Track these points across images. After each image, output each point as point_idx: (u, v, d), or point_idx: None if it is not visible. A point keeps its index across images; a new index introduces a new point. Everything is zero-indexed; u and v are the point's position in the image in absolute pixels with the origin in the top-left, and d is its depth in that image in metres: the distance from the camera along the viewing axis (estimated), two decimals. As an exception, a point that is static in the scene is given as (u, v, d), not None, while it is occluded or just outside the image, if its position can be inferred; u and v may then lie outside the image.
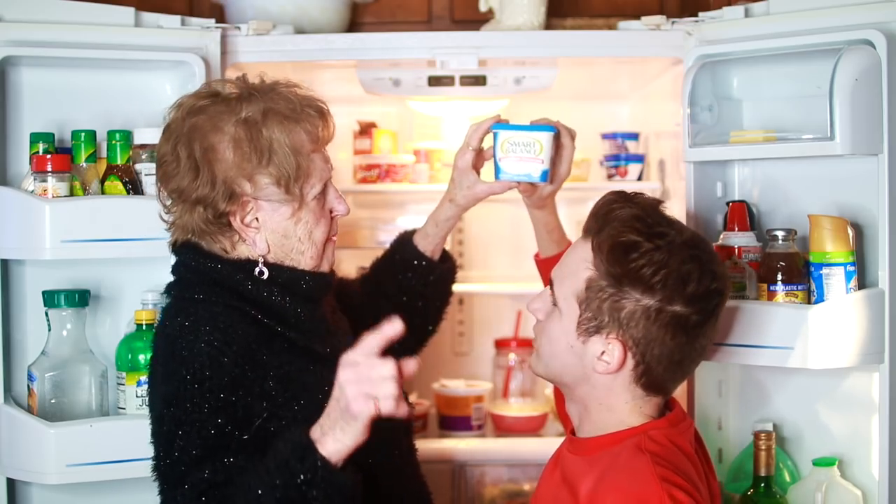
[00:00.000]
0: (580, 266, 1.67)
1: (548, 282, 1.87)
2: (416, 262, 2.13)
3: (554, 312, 1.71)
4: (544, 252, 2.17)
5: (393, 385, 1.57)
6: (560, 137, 2.08)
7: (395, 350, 2.01)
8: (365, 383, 1.57)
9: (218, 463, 1.66)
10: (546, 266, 2.14)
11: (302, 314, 1.81)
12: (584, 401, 1.72)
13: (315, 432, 1.62)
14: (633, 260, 1.62)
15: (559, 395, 2.17)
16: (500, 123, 2.06)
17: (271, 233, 1.81)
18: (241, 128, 1.77)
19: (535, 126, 2.04)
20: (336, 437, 1.59)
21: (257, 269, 1.80)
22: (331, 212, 1.87)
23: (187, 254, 1.84)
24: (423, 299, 2.17)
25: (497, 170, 2.04)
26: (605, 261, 1.63)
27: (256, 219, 1.80)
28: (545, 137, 2.00)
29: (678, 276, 1.62)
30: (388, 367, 1.58)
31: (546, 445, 2.92)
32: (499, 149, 2.03)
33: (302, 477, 1.58)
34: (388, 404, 1.57)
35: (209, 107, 1.80)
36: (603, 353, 1.65)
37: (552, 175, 2.05)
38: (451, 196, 2.12)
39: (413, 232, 2.18)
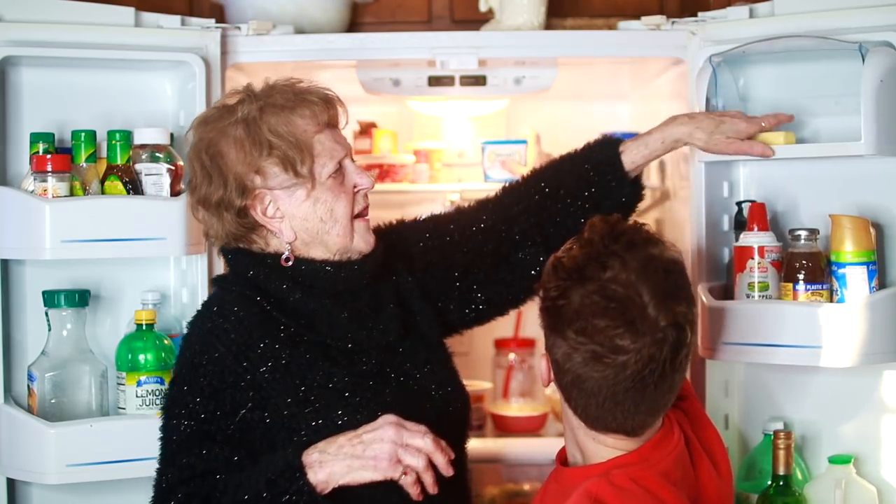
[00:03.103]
0: None
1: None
2: (609, 177, 1.99)
3: None
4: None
5: (425, 463, 1.65)
6: None
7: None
8: (402, 448, 1.65)
9: (203, 450, 1.72)
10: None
11: (317, 309, 1.82)
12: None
13: (311, 455, 1.67)
14: (545, 281, 1.60)
15: None
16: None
17: (292, 218, 1.83)
18: (240, 127, 1.81)
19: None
20: (335, 471, 1.66)
21: (284, 256, 1.82)
22: (354, 187, 1.87)
23: (227, 251, 1.89)
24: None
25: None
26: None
27: (278, 209, 1.83)
28: None
29: (565, 308, 1.54)
30: (430, 441, 1.66)
31: (546, 445, 2.92)
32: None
33: (287, 497, 1.65)
34: (410, 479, 1.65)
35: (214, 118, 1.85)
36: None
37: None
38: (701, 127, 2.00)
39: (619, 141, 2.03)
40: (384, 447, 1.66)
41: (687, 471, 1.66)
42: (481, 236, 2.02)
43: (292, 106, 1.82)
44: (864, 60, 1.99)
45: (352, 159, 1.88)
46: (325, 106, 1.85)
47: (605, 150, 2.02)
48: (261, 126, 1.80)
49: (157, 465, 1.78)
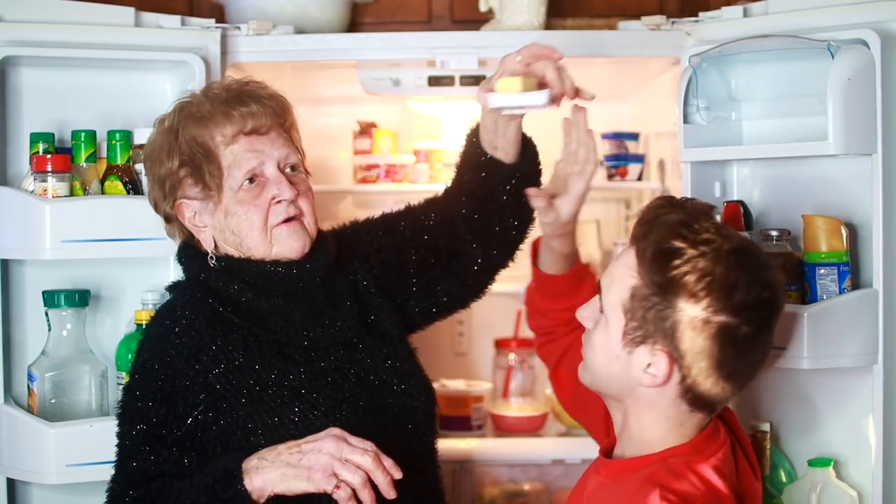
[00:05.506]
0: (625, 274, 1.59)
1: (545, 292, 1.88)
2: (480, 158, 1.96)
3: (601, 321, 1.64)
4: (547, 267, 1.98)
5: (362, 479, 1.62)
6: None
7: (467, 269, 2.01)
8: (340, 462, 1.63)
9: (153, 454, 1.74)
10: (548, 283, 1.98)
11: (269, 309, 1.83)
12: (627, 414, 1.65)
13: (250, 461, 1.67)
14: (676, 267, 1.54)
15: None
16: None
17: (213, 229, 1.86)
18: (165, 136, 1.86)
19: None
20: (270, 478, 1.65)
21: (212, 263, 1.85)
22: (274, 198, 1.83)
23: (180, 256, 1.93)
24: (504, 203, 1.99)
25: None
26: (648, 268, 1.56)
27: (201, 218, 1.86)
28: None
29: (724, 284, 1.53)
30: (370, 459, 1.63)
31: (546, 445, 2.94)
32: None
33: (223, 503, 1.65)
34: (344, 494, 1.62)
35: (160, 120, 1.90)
36: (649, 364, 1.57)
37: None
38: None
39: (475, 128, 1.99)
40: (320, 458, 1.63)
41: (733, 469, 1.65)
42: (432, 232, 2.01)
43: (210, 115, 1.83)
44: (833, 59, 1.97)
45: (280, 169, 1.83)
46: (249, 116, 1.82)
47: (469, 140, 1.99)
48: (179, 136, 1.83)
49: (112, 470, 1.80)
